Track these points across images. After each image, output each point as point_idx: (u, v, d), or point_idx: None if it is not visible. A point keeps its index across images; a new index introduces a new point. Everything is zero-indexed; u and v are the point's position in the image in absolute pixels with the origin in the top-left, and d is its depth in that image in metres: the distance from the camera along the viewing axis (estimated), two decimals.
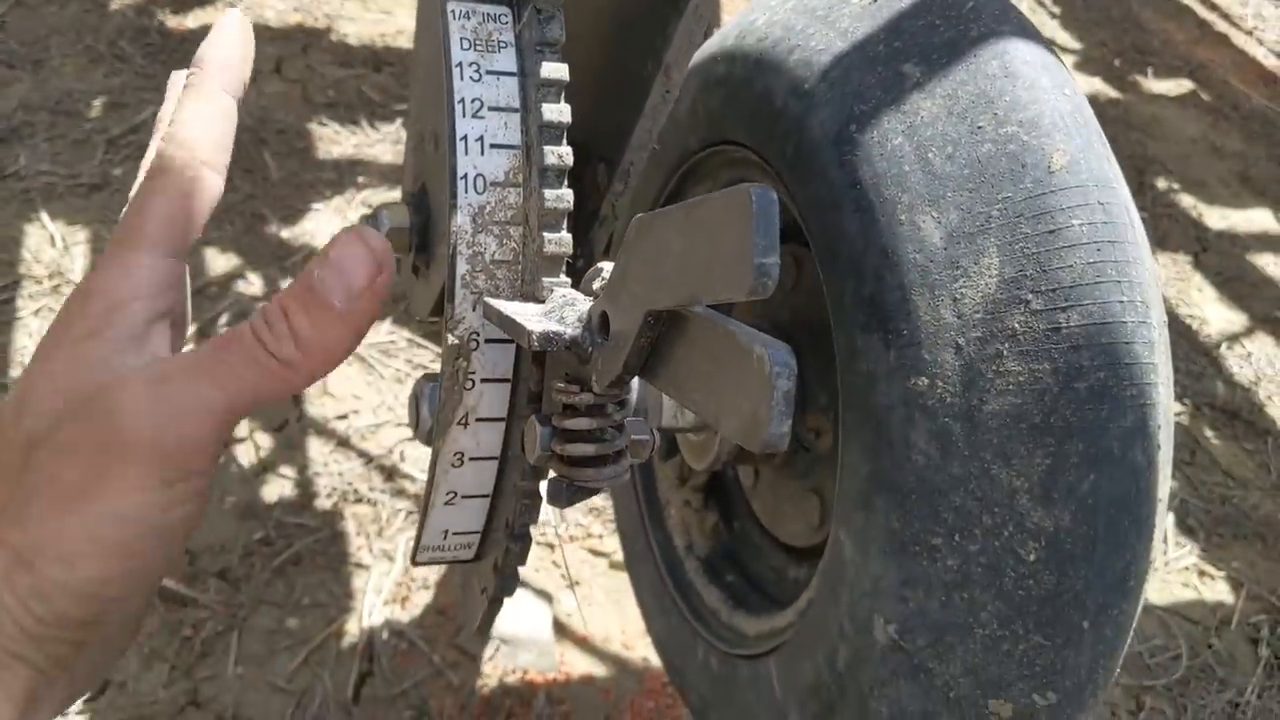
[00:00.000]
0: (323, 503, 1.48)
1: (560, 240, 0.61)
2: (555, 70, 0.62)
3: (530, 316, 0.57)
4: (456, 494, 0.67)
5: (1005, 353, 0.63)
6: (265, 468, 1.50)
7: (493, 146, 0.62)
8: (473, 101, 0.61)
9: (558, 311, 0.57)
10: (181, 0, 2.37)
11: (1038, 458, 0.63)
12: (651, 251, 0.49)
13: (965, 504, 0.64)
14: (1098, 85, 3.00)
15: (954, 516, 0.64)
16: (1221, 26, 3.49)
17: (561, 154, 0.61)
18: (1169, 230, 2.50)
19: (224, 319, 1.68)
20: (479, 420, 0.65)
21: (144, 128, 2.01)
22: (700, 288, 0.45)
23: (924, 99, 0.68)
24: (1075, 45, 3.17)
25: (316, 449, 1.54)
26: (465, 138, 0.61)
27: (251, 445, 1.53)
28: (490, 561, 0.70)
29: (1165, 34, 3.36)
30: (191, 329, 1.66)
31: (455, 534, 0.69)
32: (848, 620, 0.71)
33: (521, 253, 0.62)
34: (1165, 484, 0.66)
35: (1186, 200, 2.60)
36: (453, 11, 0.63)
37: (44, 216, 1.80)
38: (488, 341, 0.63)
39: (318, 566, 1.41)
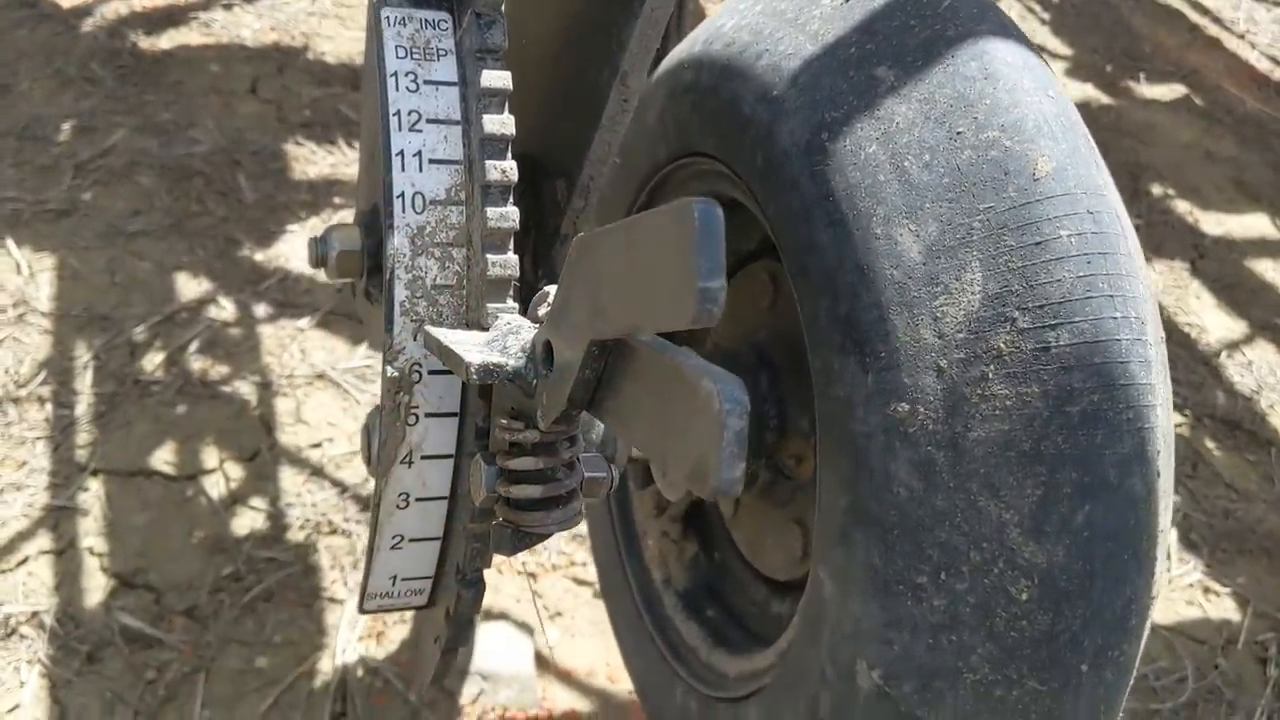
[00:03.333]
0: (295, 535, 1.43)
1: (505, 262, 0.56)
2: (497, 79, 0.57)
3: (471, 346, 0.52)
4: (403, 537, 0.62)
5: (991, 375, 0.58)
6: (235, 499, 1.45)
7: (432, 162, 0.57)
8: (410, 114, 0.57)
9: (500, 340, 0.53)
10: (154, 22, 2.33)
11: (1028, 488, 0.58)
12: (592, 275, 0.44)
13: (951, 539, 0.59)
14: (1089, 91, 2.96)
15: (939, 553, 0.59)
16: (1213, 31, 3.45)
17: (505, 169, 0.56)
18: (1165, 237, 2.46)
19: (194, 345, 1.63)
20: (424, 458, 0.60)
21: (113, 151, 1.97)
22: (642, 315, 0.40)
23: (899, 104, 0.64)
24: (1066, 51, 3.14)
25: (289, 479, 1.49)
26: (402, 153, 0.57)
27: (221, 476, 1.48)
28: (443, 609, 0.65)
29: (1156, 39, 3.32)
30: (160, 357, 1.62)
31: (404, 579, 0.64)
32: (829, 664, 0.66)
33: (465, 276, 0.58)
34: (1167, 513, 0.61)
35: (1182, 206, 2.56)
36: (387, 18, 0.58)
37: (9, 243, 1.76)
38: (431, 373, 0.59)
39: (289, 602, 1.36)
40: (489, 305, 0.56)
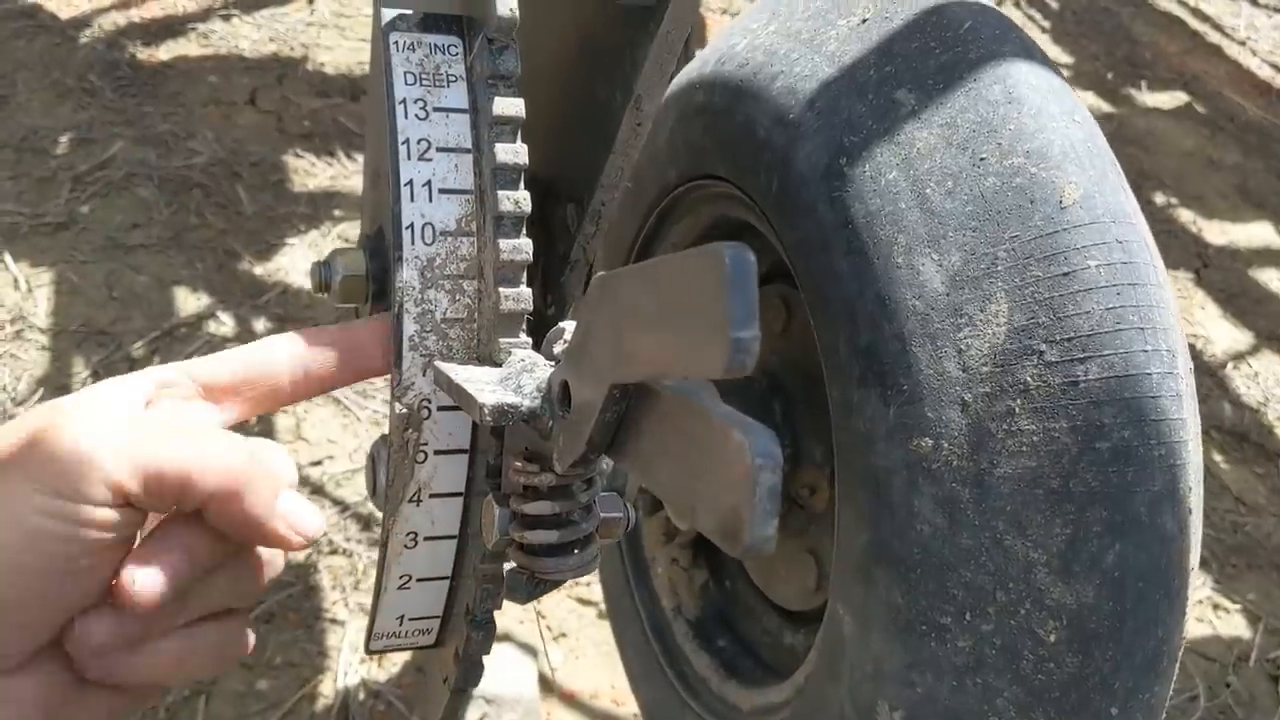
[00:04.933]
0: (296, 555, 1.41)
1: (519, 296, 0.55)
2: (510, 106, 0.55)
3: (484, 385, 0.51)
4: (411, 577, 0.60)
5: (1017, 410, 0.56)
6: None
7: (442, 192, 0.55)
8: (419, 142, 0.55)
9: (515, 379, 0.51)
10: (152, 33, 2.31)
11: (1056, 527, 0.56)
12: (614, 316, 0.42)
13: (976, 579, 0.57)
14: (1091, 99, 2.95)
15: (964, 593, 0.58)
16: (1214, 38, 3.44)
17: (518, 199, 0.54)
18: (1168, 246, 2.44)
19: None
20: (433, 496, 0.58)
21: (112, 164, 1.95)
22: (668, 363, 0.39)
23: (920, 129, 0.62)
24: (1067, 59, 3.13)
25: None
26: (411, 183, 0.55)
27: None
28: (451, 648, 0.64)
29: (1157, 46, 3.31)
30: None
31: (412, 619, 0.63)
32: (849, 704, 0.64)
33: (476, 309, 0.56)
34: (1197, 550, 0.60)
35: (1185, 215, 2.55)
36: (396, 43, 0.56)
37: (6, 258, 1.74)
38: (440, 409, 0.57)
39: (291, 624, 1.34)
40: (501, 340, 0.55)
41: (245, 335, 1.68)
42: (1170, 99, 3.11)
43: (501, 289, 0.54)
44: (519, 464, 0.50)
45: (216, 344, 1.66)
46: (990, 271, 0.58)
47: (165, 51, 2.27)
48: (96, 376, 1.58)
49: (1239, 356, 2.19)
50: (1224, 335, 2.23)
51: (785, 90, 0.69)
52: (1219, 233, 2.54)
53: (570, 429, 0.46)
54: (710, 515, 0.38)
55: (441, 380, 0.53)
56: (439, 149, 0.55)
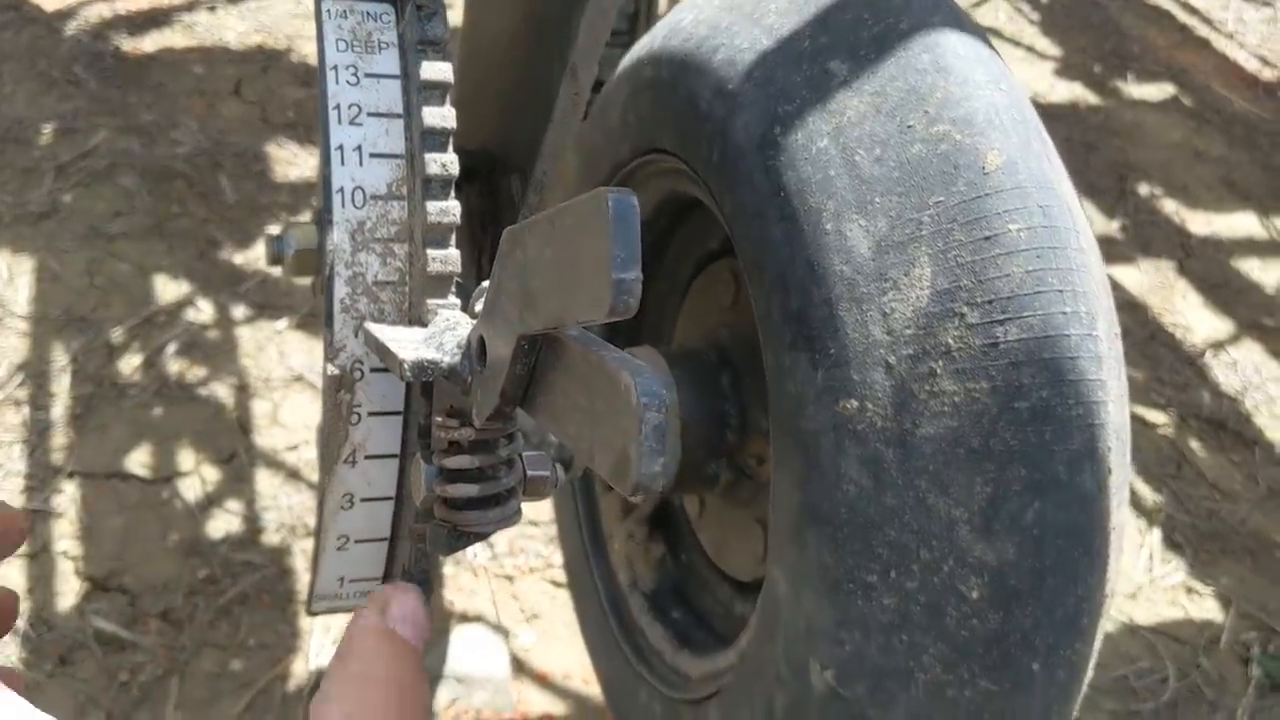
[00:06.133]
0: (271, 538, 1.42)
1: (446, 258, 0.56)
2: (438, 71, 0.56)
3: (407, 344, 0.52)
4: (349, 538, 0.61)
5: (939, 371, 0.57)
6: (211, 502, 1.44)
7: (373, 156, 0.56)
8: (350, 107, 0.56)
9: (438, 337, 0.52)
10: (138, 24, 2.32)
11: (977, 486, 0.57)
12: (520, 268, 0.44)
13: (901, 537, 0.58)
14: (1078, 91, 2.95)
15: (889, 551, 0.59)
16: (1202, 31, 3.45)
17: (445, 163, 0.56)
18: (1152, 237, 2.45)
19: (172, 348, 1.63)
20: (368, 458, 0.59)
21: (95, 153, 1.96)
22: (566, 308, 0.40)
23: (851, 97, 0.63)
24: (1055, 51, 3.13)
25: (265, 481, 1.48)
26: (341, 147, 0.56)
27: (197, 479, 1.47)
28: None
29: (1145, 39, 3.32)
30: (138, 359, 1.61)
31: (352, 580, 0.64)
32: (784, 664, 0.65)
33: (407, 272, 0.57)
34: (1120, 510, 0.61)
35: (1169, 206, 2.55)
36: (328, 10, 0.58)
37: None
38: (373, 371, 0.58)
39: (265, 605, 1.35)
40: (430, 301, 0.56)
41: (224, 322, 1.69)
42: (1157, 91, 3.11)
43: (430, 251, 0.55)
44: (440, 419, 0.51)
45: (195, 331, 1.67)
46: (915, 236, 0.59)
47: (150, 43, 2.28)
48: (76, 363, 1.59)
49: (1219, 345, 2.20)
50: (1205, 324, 2.24)
51: (725, 62, 0.70)
52: (1203, 223, 2.55)
53: (486, 383, 0.48)
54: (604, 455, 0.39)
55: (370, 341, 0.54)
56: (370, 114, 0.56)
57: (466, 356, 0.50)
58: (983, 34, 0.66)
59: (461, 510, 0.51)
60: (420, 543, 0.58)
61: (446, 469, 0.51)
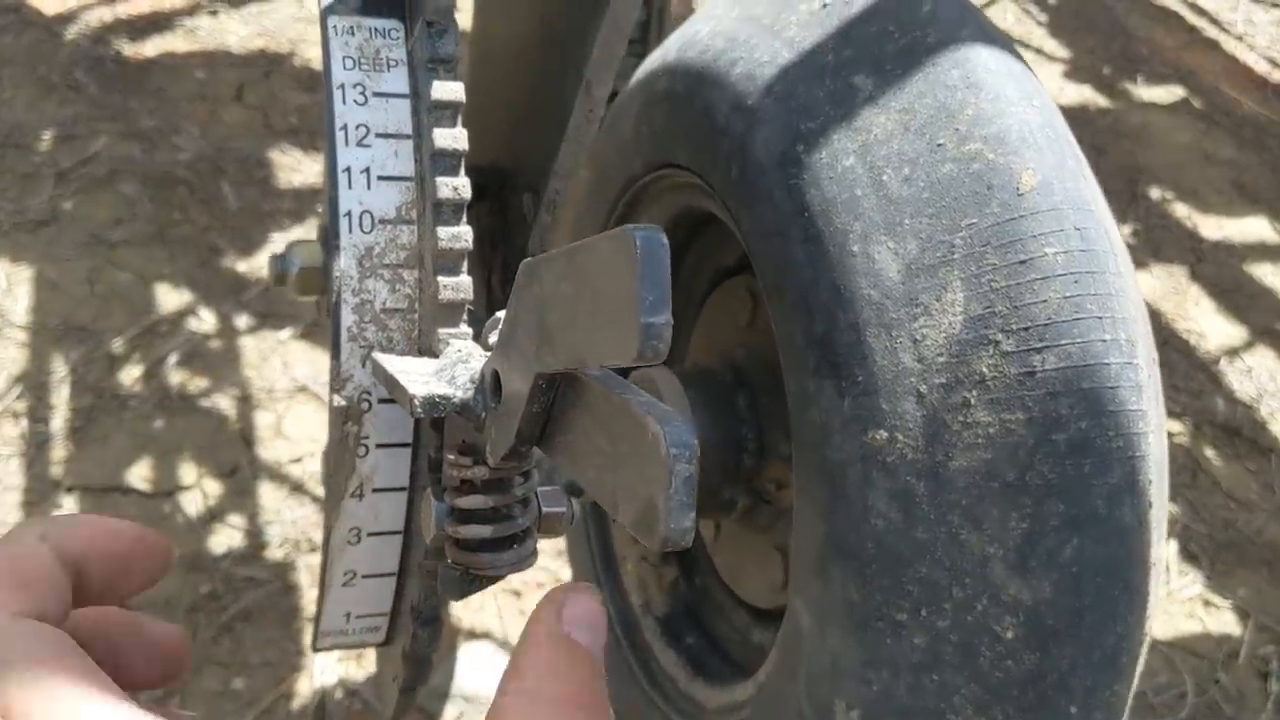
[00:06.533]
0: (274, 553, 1.40)
1: (458, 285, 0.53)
2: (449, 90, 0.54)
3: (417, 377, 0.49)
4: (355, 573, 0.59)
5: (973, 401, 0.55)
6: (213, 516, 1.42)
7: (381, 179, 0.54)
8: (357, 128, 0.54)
9: (449, 370, 0.50)
10: (139, 28, 2.29)
11: (1013, 521, 0.55)
12: (538, 303, 0.41)
13: (932, 574, 0.56)
14: (1087, 93, 2.93)
15: (920, 588, 0.56)
16: (1211, 32, 3.42)
17: (457, 186, 0.53)
18: (1163, 241, 2.42)
19: (174, 357, 1.60)
20: (375, 491, 0.57)
21: (95, 160, 1.93)
22: (586, 349, 0.37)
23: (878, 114, 0.60)
24: (1063, 53, 3.11)
25: (269, 495, 1.46)
26: (349, 169, 0.54)
27: (199, 493, 1.45)
28: (400, 647, 0.62)
29: (1154, 41, 3.29)
30: (139, 370, 1.58)
31: (359, 617, 0.61)
32: (806, 702, 0.63)
33: (416, 299, 0.54)
34: (1160, 545, 0.58)
35: (1180, 210, 2.53)
36: (334, 27, 0.55)
37: None
38: (381, 402, 0.55)
39: (268, 622, 1.33)
40: (440, 330, 0.53)
41: (227, 332, 1.67)
42: (1166, 93, 3.09)
43: (441, 278, 0.53)
44: (452, 457, 0.48)
45: (197, 341, 1.65)
46: (947, 259, 0.56)
47: (151, 47, 2.26)
48: (75, 373, 1.57)
49: (1233, 352, 2.17)
50: (1218, 330, 2.21)
51: (744, 76, 0.67)
52: (1214, 227, 2.52)
53: (501, 421, 0.45)
54: (628, 505, 0.37)
55: (378, 372, 0.52)
56: (378, 134, 0.54)
57: (480, 392, 0.47)
58: (1012, 47, 0.63)
59: (475, 552, 0.48)
60: (431, 580, 0.56)
61: (459, 509, 0.49)
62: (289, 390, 1.60)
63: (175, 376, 1.59)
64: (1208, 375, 2.09)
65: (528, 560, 0.50)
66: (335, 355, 0.54)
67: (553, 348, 0.40)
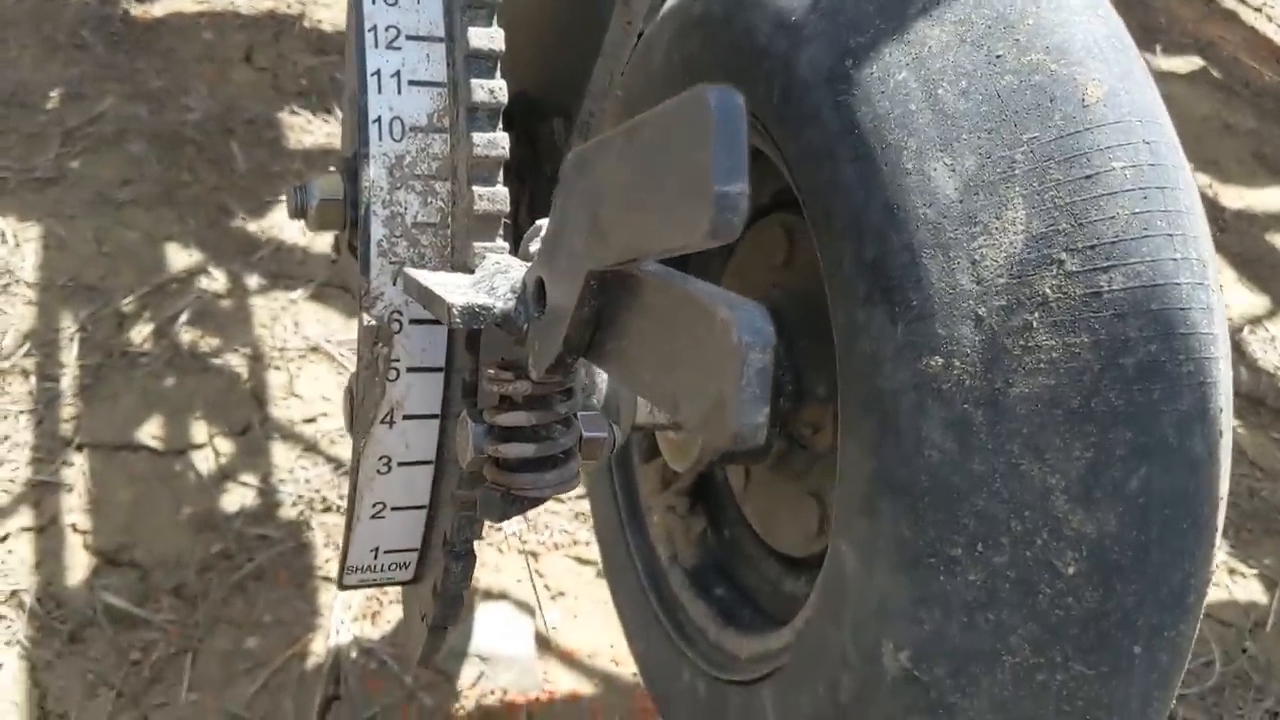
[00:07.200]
0: (287, 512, 1.38)
1: (494, 196, 0.50)
2: None
3: (454, 288, 0.46)
4: (385, 505, 0.56)
5: (1035, 324, 0.52)
6: (225, 475, 1.40)
7: (412, 83, 0.51)
8: (387, 29, 0.51)
9: (488, 281, 0.47)
10: None
11: (1076, 450, 0.52)
12: (590, 194, 0.38)
13: (989, 507, 0.53)
14: None
15: (976, 522, 0.54)
16: (1230, 3, 3.38)
17: (494, 89, 0.50)
18: None
19: (184, 316, 1.58)
20: (406, 418, 0.54)
21: (102, 119, 1.90)
22: (648, 235, 0.34)
23: (931, 26, 0.57)
24: None
25: (281, 454, 1.44)
26: (379, 73, 0.51)
27: (211, 451, 1.42)
28: (430, 584, 0.60)
29: (1172, 11, 3.25)
30: (149, 328, 1.56)
31: (387, 551, 0.59)
32: (852, 645, 0.60)
33: (449, 214, 0.52)
34: (1227, 478, 0.55)
35: (1201, 180, 2.49)
36: None
37: None
38: (413, 322, 0.53)
39: (281, 581, 1.31)
40: (476, 244, 0.51)
41: (237, 291, 1.64)
42: (1185, 64, 3.05)
43: (476, 188, 0.50)
44: (492, 372, 0.46)
45: (208, 299, 1.62)
46: (1007, 176, 0.53)
47: (159, 7, 2.23)
48: (84, 331, 1.54)
49: (1256, 321, 2.14)
50: (1240, 300, 2.18)
51: None
52: (1235, 198, 2.49)
53: (546, 330, 0.42)
54: (694, 405, 0.34)
55: (411, 287, 0.49)
56: (409, 36, 0.51)
57: (522, 301, 0.44)
58: None
59: (516, 472, 0.46)
60: (466, 510, 0.53)
61: (499, 427, 0.46)
62: (301, 350, 1.57)
63: (185, 335, 1.56)
64: (1231, 345, 2.06)
65: (570, 482, 0.47)
66: (364, 271, 0.51)
67: (607, 241, 0.37)
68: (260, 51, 2.18)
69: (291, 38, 2.23)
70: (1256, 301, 2.19)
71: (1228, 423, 0.54)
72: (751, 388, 0.32)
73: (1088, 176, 0.52)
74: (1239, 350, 2.04)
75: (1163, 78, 2.93)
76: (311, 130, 2.00)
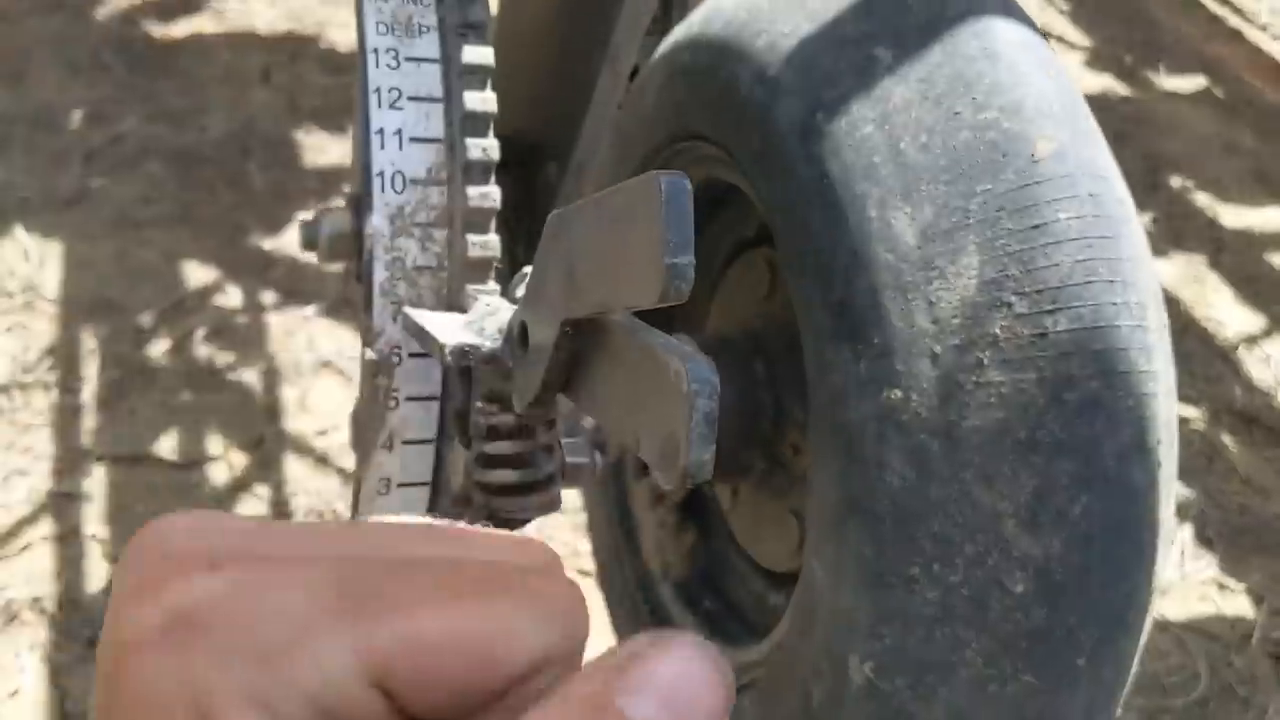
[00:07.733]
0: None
1: (486, 243, 0.55)
2: (479, 55, 0.56)
3: (448, 328, 0.51)
4: None
5: (986, 361, 0.56)
6: (239, 487, 1.45)
7: (412, 140, 0.56)
8: (390, 91, 0.56)
9: (479, 322, 0.51)
10: (166, 10, 2.32)
11: (1024, 478, 0.56)
12: (566, 251, 0.43)
13: (945, 530, 0.58)
14: (1108, 82, 2.92)
15: (933, 544, 0.58)
16: (1234, 22, 3.41)
17: (486, 147, 0.55)
18: (1184, 230, 2.42)
19: (201, 332, 1.63)
20: (405, 443, 0.59)
21: (124, 139, 1.96)
22: (611, 293, 0.39)
23: (897, 84, 0.62)
24: (1085, 42, 3.10)
25: (293, 467, 1.48)
26: (382, 131, 0.55)
27: (225, 464, 1.47)
28: None
29: (1177, 30, 3.28)
30: (167, 344, 1.61)
31: None
32: (822, 657, 0.64)
33: (446, 257, 0.56)
34: (1168, 505, 0.60)
35: (1201, 199, 2.52)
36: None
37: (18, 231, 1.75)
38: (411, 356, 0.57)
39: None
40: (469, 287, 0.55)
41: (253, 308, 1.70)
42: (1189, 83, 3.08)
43: (470, 236, 0.55)
44: (480, 404, 0.50)
45: (224, 316, 1.67)
46: (962, 224, 0.58)
47: (179, 29, 2.29)
48: (105, 347, 1.59)
49: (1252, 340, 2.17)
50: (1237, 318, 2.22)
51: (767, 48, 0.69)
52: (1235, 217, 2.52)
53: (528, 369, 0.47)
54: (651, 442, 0.39)
55: (410, 325, 0.54)
56: (410, 98, 0.56)
57: (508, 341, 0.49)
58: (1030, 20, 0.65)
59: (501, 497, 0.50)
60: None
61: (486, 454, 0.50)
62: (313, 365, 1.62)
63: (202, 351, 1.61)
64: (1226, 363, 2.09)
65: (552, 505, 0.52)
66: (367, 310, 0.56)
67: (580, 294, 0.42)
68: (278, 72, 2.24)
69: (308, 58, 2.29)
70: (1253, 320, 2.22)
71: (1168, 454, 0.58)
72: (699, 429, 0.36)
73: (1035, 226, 0.57)
74: (1234, 369, 2.07)
75: (1166, 97, 2.96)
76: (326, 150, 2.05)
